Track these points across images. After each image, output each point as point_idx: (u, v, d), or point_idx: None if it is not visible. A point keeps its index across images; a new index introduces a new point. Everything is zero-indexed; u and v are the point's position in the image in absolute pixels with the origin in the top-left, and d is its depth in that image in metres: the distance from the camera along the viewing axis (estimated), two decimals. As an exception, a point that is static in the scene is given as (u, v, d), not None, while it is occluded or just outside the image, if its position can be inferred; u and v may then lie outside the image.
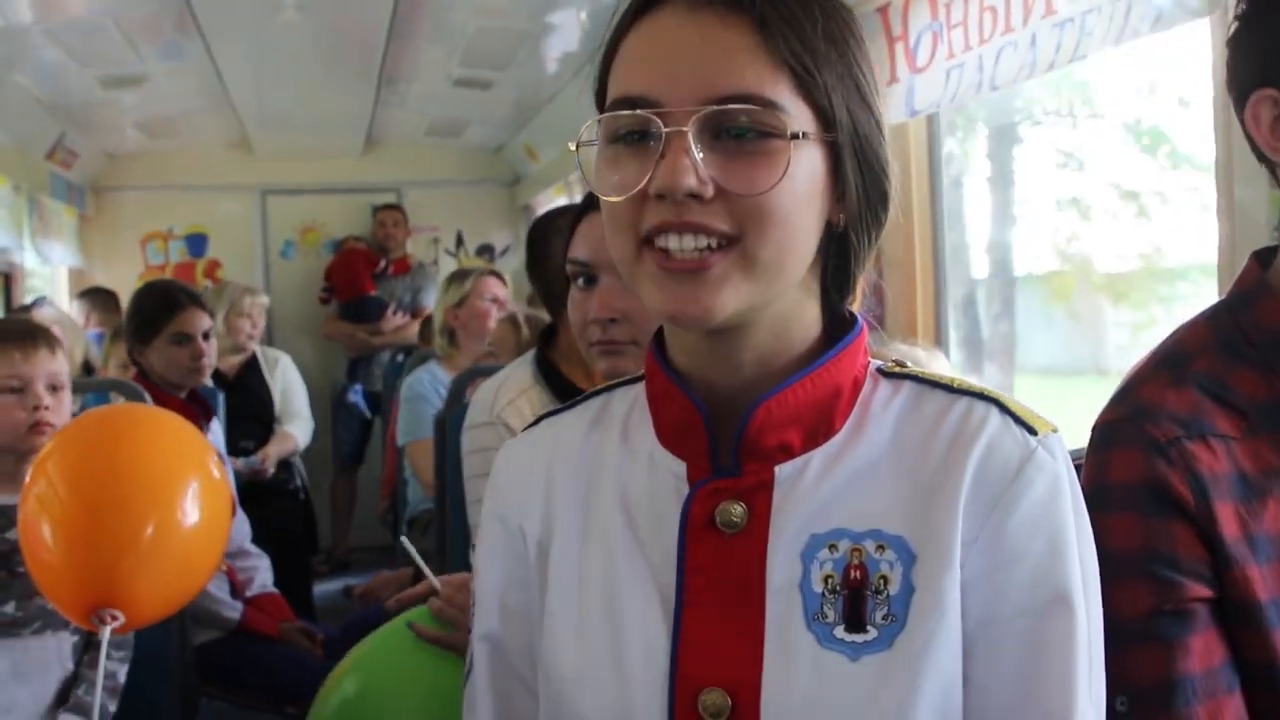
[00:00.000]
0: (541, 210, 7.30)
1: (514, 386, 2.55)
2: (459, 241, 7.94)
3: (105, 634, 2.10)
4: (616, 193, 1.01)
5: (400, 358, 6.51)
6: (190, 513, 2.22)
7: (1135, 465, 1.25)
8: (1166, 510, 1.23)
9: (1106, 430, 1.30)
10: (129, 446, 2.29)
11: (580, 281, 1.91)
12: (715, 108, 0.97)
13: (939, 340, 3.24)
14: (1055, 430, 1.04)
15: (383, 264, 7.19)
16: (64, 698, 2.41)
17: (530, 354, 2.65)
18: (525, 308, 4.68)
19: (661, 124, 0.98)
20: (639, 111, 0.99)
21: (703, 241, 0.98)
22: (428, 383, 4.48)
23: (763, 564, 1.03)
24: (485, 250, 7.96)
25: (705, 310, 0.99)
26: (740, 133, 0.98)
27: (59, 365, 2.54)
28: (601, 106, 1.06)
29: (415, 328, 6.85)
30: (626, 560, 1.09)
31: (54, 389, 2.51)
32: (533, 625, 1.16)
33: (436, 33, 4.97)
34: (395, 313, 7.04)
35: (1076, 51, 2.38)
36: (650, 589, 1.07)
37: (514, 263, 7.76)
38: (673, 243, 0.99)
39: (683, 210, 0.97)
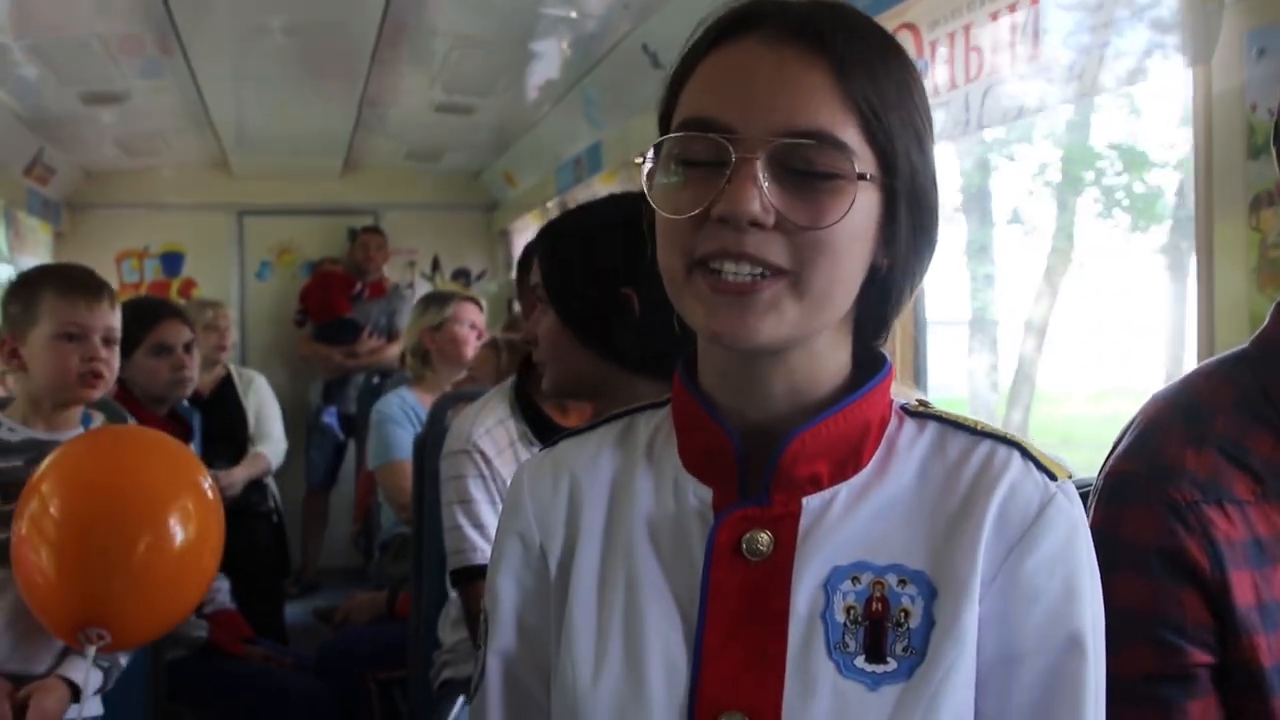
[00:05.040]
0: (518, 236, 7.35)
1: (490, 415, 2.58)
2: (435, 265, 7.93)
3: (90, 653, 2.10)
4: (677, 211, 1.02)
5: (376, 380, 6.50)
6: (181, 533, 2.22)
7: (1151, 527, 1.25)
8: (1178, 577, 1.24)
9: (1122, 483, 1.30)
10: (121, 467, 2.29)
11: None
12: (787, 141, 0.99)
13: (917, 379, 3.26)
14: (1070, 477, 1.07)
15: (359, 286, 7.18)
16: None
17: (509, 382, 2.67)
18: (500, 333, 4.68)
19: (732, 149, 0.99)
20: (711, 135, 1.01)
21: (756, 269, 1.00)
22: (397, 406, 4.46)
23: (787, 592, 1.05)
24: (461, 274, 7.95)
25: (751, 332, 1.01)
26: (807, 168, 1.00)
27: (116, 320, 2.57)
28: (666, 125, 1.08)
29: (391, 350, 6.83)
30: (649, 583, 1.10)
31: (108, 342, 2.54)
32: (548, 644, 1.17)
33: (419, 58, 4.97)
34: (371, 335, 7.02)
35: (1062, 95, 2.42)
36: (672, 611, 1.08)
37: (490, 287, 7.77)
38: (728, 266, 1.00)
39: (742, 239, 0.99)
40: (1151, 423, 1.34)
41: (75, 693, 2.33)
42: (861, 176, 1.00)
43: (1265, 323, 1.37)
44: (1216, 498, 1.25)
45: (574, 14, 4.26)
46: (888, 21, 3.02)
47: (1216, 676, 1.25)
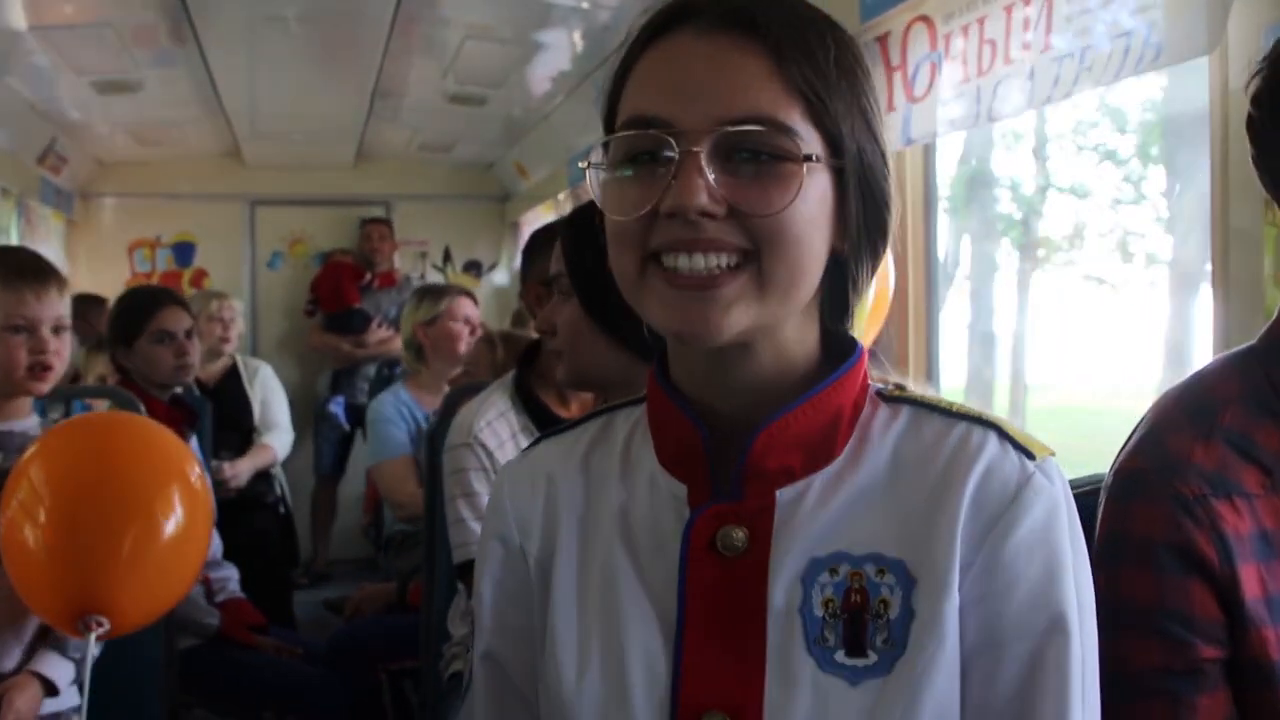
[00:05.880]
0: (529, 228, 7.33)
1: (492, 409, 2.60)
2: (446, 257, 7.92)
3: (91, 640, 2.09)
4: (626, 212, 1.01)
5: (386, 370, 6.49)
6: (172, 520, 2.21)
7: (1160, 521, 1.24)
8: (1187, 570, 1.22)
9: (1130, 479, 1.29)
10: (111, 454, 2.28)
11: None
12: (730, 129, 0.98)
13: (930, 374, 3.24)
14: (1053, 454, 1.05)
15: (368, 277, 7.18)
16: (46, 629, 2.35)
17: (510, 376, 2.68)
18: (509, 327, 4.66)
19: (674, 144, 0.98)
20: (652, 131, 1.00)
21: (714, 260, 0.99)
22: (391, 405, 4.42)
23: (764, 588, 1.03)
24: (473, 266, 7.95)
25: (714, 328, 1.00)
26: (753, 154, 0.99)
27: (65, 307, 2.49)
28: (611, 129, 1.07)
29: (398, 341, 6.82)
30: (627, 582, 1.09)
31: (57, 330, 2.46)
32: (533, 645, 1.16)
33: (432, 48, 4.97)
34: (380, 325, 7.02)
35: (1075, 86, 2.40)
36: (650, 611, 1.07)
37: (503, 279, 7.76)
38: (681, 262, 0.99)
39: (695, 229, 0.98)
40: (1160, 419, 1.33)
41: (48, 688, 2.31)
42: (808, 158, 0.99)
43: (1274, 318, 1.35)
44: (1225, 491, 1.24)
45: (586, 5, 4.25)
46: (902, 14, 3.00)
47: (1227, 671, 1.24)
